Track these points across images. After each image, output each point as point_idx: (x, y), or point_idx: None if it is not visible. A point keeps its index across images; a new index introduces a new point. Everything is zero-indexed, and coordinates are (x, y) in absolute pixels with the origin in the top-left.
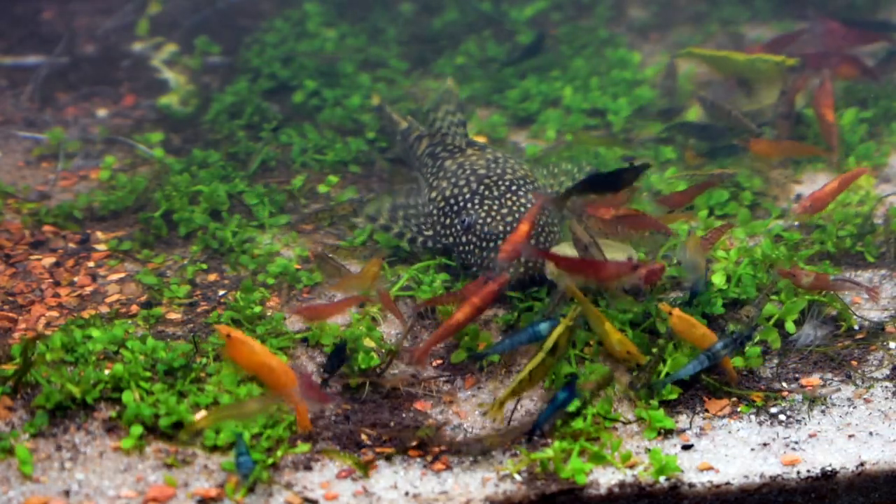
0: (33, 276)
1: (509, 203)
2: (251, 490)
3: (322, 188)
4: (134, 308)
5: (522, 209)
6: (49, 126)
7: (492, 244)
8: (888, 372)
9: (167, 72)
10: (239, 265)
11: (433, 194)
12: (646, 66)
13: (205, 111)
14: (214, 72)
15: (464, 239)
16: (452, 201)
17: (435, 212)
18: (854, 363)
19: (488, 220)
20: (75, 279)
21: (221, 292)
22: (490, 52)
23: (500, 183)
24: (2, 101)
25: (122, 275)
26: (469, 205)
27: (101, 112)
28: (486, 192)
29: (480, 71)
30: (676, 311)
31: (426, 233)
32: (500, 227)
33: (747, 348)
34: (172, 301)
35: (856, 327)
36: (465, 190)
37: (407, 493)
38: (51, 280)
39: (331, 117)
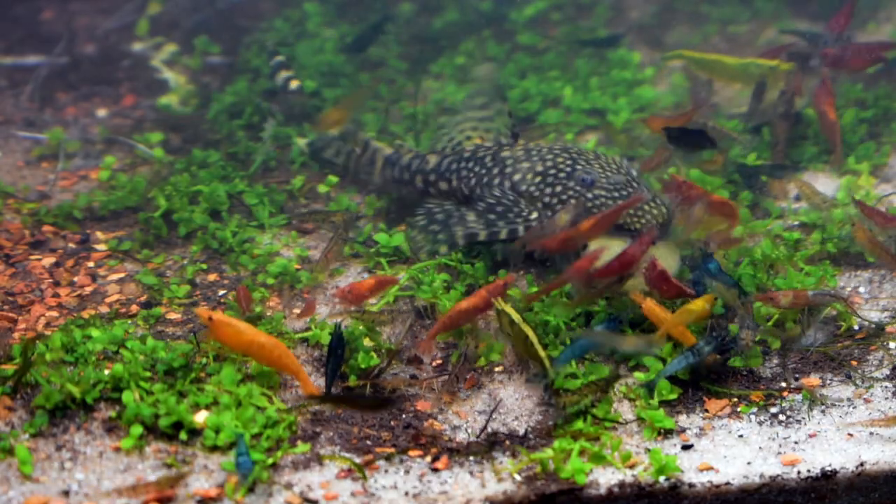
0: (33, 276)
1: (610, 160)
2: (251, 490)
3: (322, 188)
4: (134, 308)
5: (624, 164)
6: (49, 126)
7: (624, 192)
8: (888, 372)
9: (167, 72)
10: (239, 265)
11: (517, 177)
12: (646, 66)
13: (206, 110)
14: (214, 72)
15: (590, 195)
16: (553, 171)
17: (532, 189)
18: (854, 363)
19: (608, 172)
20: (75, 279)
21: (221, 292)
22: (490, 52)
23: (582, 151)
24: (2, 101)
25: (122, 275)
26: (578, 166)
27: (101, 112)
28: (584, 157)
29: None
30: (648, 301)
31: (531, 217)
32: (622, 177)
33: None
34: (172, 301)
35: (856, 327)
36: (560, 160)
37: (407, 493)
38: (51, 280)
39: None
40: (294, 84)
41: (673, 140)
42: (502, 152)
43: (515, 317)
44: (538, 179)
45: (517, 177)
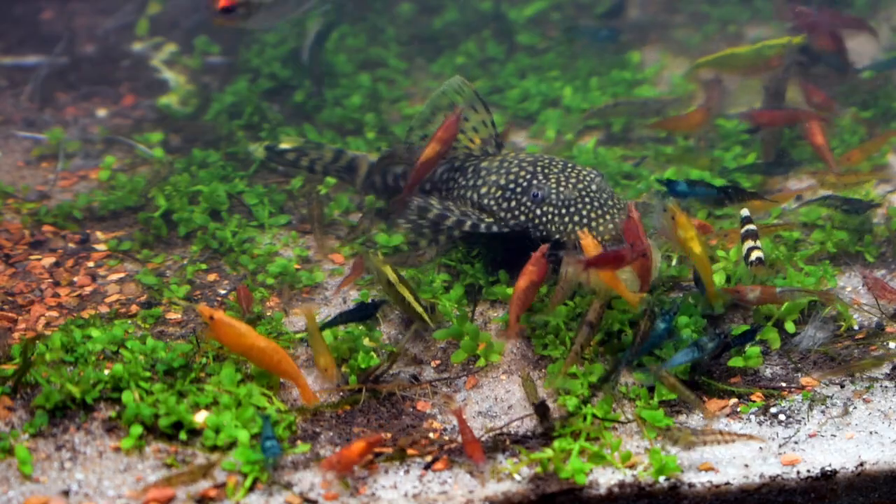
0: (33, 276)
1: (574, 174)
2: (251, 490)
3: (321, 189)
4: (134, 308)
5: (588, 178)
6: (49, 126)
7: (572, 209)
8: (888, 371)
9: (167, 72)
10: (239, 265)
11: (483, 190)
12: (645, 66)
13: (205, 111)
14: (214, 72)
15: (539, 212)
16: (512, 185)
17: (492, 203)
18: (854, 363)
19: (560, 188)
20: (75, 279)
21: (222, 292)
22: (490, 52)
23: (553, 163)
24: (2, 101)
25: (122, 275)
26: (535, 181)
27: (101, 112)
28: (546, 171)
29: (480, 71)
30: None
31: (487, 220)
32: (576, 193)
33: (747, 348)
34: (172, 301)
35: (855, 327)
36: (523, 173)
37: (407, 494)
38: (50, 280)
39: (330, 117)
40: (755, 255)
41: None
42: (482, 163)
43: (392, 277)
44: (499, 193)
45: (483, 189)
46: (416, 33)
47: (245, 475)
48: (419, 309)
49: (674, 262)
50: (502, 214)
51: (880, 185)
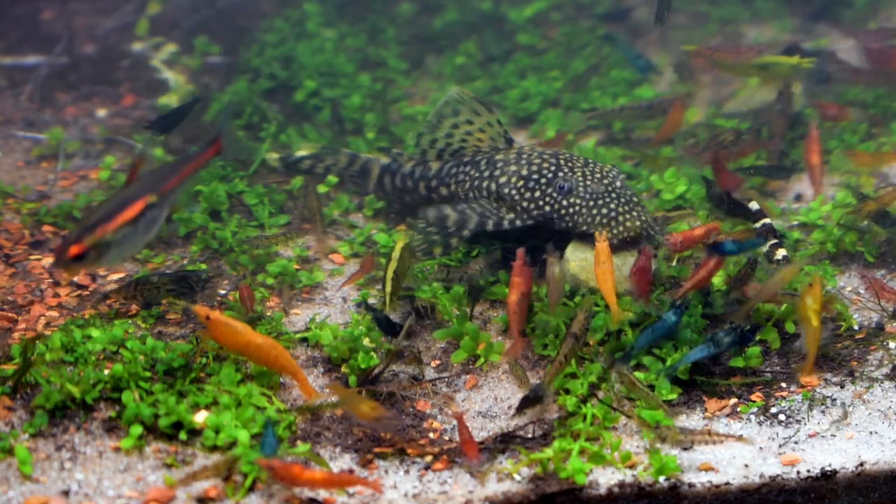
0: (33, 276)
1: (597, 170)
2: (251, 490)
3: (322, 188)
4: (134, 308)
5: (611, 175)
6: (49, 126)
7: (599, 202)
8: (888, 371)
9: (167, 72)
10: (238, 265)
11: (502, 180)
12: None
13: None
14: (214, 72)
15: (565, 202)
16: (535, 175)
17: (513, 192)
18: (854, 363)
19: (587, 182)
20: (75, 279)
21: (222, 292)
22: (490, 52)
23: (575, 157)
24: (2, 101)
25: (122, 275)
26: (560, 173)
27: (101, 112)
28: (570, 165)
29: (480, 70)
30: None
31: (508, 216)
32: (602, 188)
33: (748, 348)
34: (172, 301)
35: (855, 327)
36: (546, 165)
37: (406, 494)
38: (50, 280)
39: (329, 117)
40: (780, 253)
41: (714, 201)
42: (496, 156)
43: (394, 255)
44: (521, 183)
45: (503, 179)
46: (416, 33)
47: (245, 475)
48: (387, 289)
49: (674, 263)
50: (524, 204)
51: (880, 186)
